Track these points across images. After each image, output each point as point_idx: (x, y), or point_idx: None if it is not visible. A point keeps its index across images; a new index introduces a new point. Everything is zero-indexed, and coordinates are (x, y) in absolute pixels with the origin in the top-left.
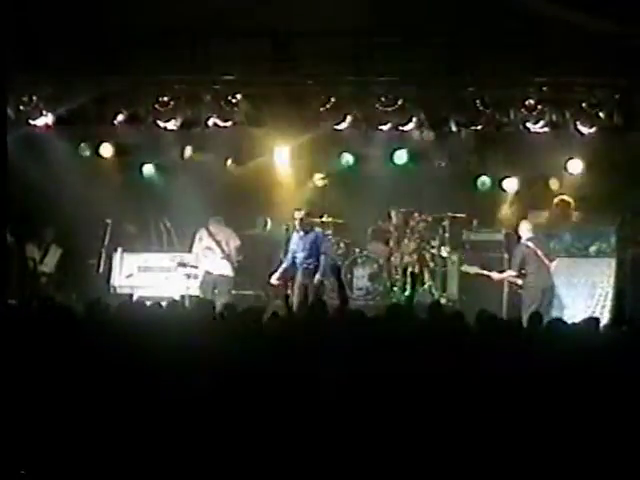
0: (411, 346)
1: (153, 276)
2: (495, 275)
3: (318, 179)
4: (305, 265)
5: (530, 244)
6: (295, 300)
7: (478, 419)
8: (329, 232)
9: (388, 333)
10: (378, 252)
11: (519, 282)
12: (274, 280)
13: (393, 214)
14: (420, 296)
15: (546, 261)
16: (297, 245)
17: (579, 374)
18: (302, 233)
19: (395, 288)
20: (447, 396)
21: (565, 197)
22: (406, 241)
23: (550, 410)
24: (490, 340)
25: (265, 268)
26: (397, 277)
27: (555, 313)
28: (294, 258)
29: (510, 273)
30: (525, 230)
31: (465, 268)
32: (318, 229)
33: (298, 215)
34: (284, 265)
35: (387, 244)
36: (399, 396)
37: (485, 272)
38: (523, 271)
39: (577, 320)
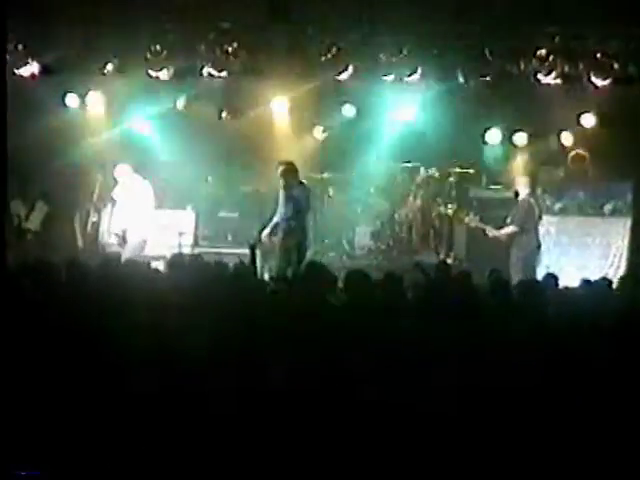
0: (421, 310)
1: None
2: (493, 231)
3: (318, 132)
4: (284, 224)
5: (532, 200)
6: (275, 262)
7: (495, 384)
8: (330, 189)
9: (391, 298)
10: (382, 209)
11: (503, 240)
12: (264, 236)
13: (398, 169)
14: (425, 256)
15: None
16: (281, 202)
17: (595, 337)
18: (284, 189)
19: (399, 247)
20: (460, 363)
21: (580, 151)
22: (411, 198)
23: (569, 378)
24: (503, 302)
25: (259, 226)
26: (401, 235)
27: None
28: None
29: (512, 229)
30: (523, 185)
31: (467, 219)
32: (301, 185)
33: (280, 170)
34: (275, 220)
35: (391, 201)
36: (413, 363)
37: (482, 225)
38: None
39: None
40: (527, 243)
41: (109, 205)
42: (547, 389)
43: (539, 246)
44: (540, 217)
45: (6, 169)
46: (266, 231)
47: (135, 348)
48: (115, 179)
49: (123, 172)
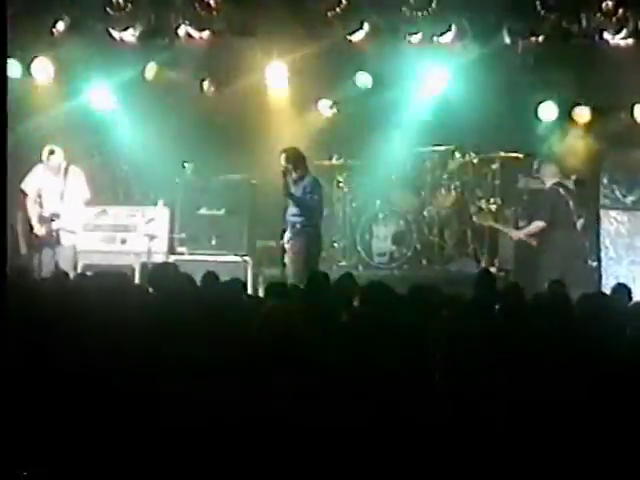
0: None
1: (104, 237)
2: (513, 232)
3: (325, 107)
4: (292, 223)
5: (561, 191)
6: (290, 270)
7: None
8: (341, 177)
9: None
10: (406, 205)
11: (533, 242)
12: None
13: (426, 154)
14: (462, 264)
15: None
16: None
17: None
18: (292, 182)
19: (428, 253)
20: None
21: None
22: (443, 191)
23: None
24: (563, 322)
25: (251, 226)
26: (431, 238)
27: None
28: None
29: (537, 226)
30: (549, 174)
31: (477, 218)
32: (310, 175)
33: (284, 157)
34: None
35: (418, 194)
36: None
37: (498, 226)
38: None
39: None
40: (562, 242)
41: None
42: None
43: (582, 247)
44: (607, 208)
45: (6, 169)
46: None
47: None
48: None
49: (53, 158)
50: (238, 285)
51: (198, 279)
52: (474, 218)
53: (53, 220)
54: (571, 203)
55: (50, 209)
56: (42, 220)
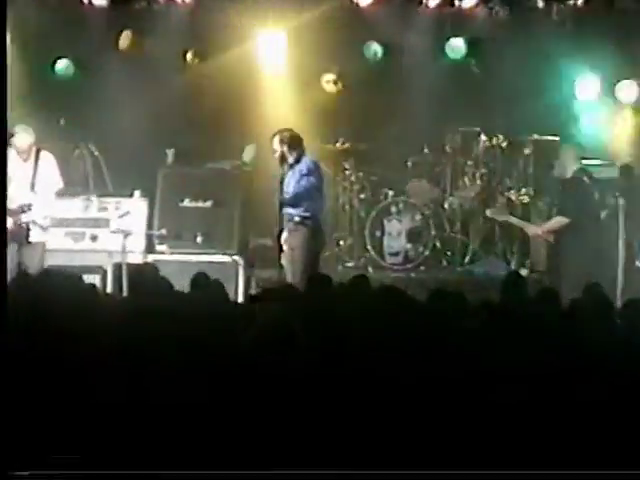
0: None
1: (71, 233)
2: (531, 228)
3: (329, 82)
4: (289, 216)
5: (586, 179)
6: (288, 272)
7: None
8: (347, 164)
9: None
10: (423, 196)
11: (551, 239)
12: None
13: (447, 137)
14: (489, 265)
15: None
16: (285, 186)
17: None
18: (287, 168)
19: (449, 252)
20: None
21: None
22: (467, 179)
23: None
24: (604, 331)
25: (243, 221)
26: (453, 235)
27: None
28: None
29: (557, 222)
30: (570, 159)
31: (491, 213)
32: (311, 161)
33: (276, 140)
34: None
35: (437, 184)
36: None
37: (513, 220)
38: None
39: None
40: (585, 242)
41: None
42: None
43: (628, 246)
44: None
45: (6, 168)
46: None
47: None
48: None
49: (22, 140)
50: (219, 291)
51: (181, 282)
52: (487, 213)
53: (24, 212)
54: (595, 194)
55: (19, 200)
56: (10, 212)
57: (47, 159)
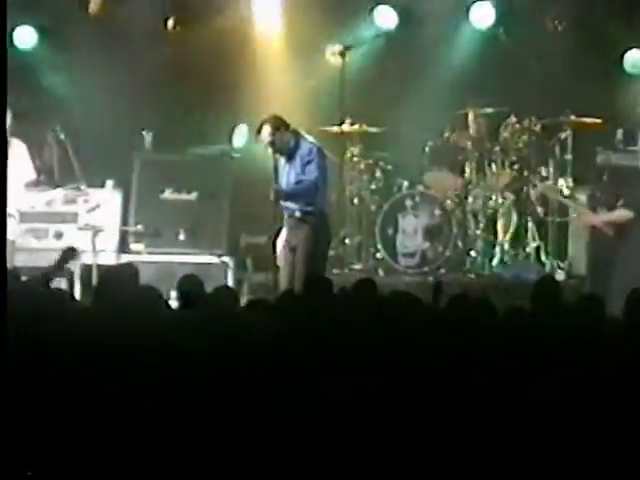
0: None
1: (33, 229)
2: (588, 215)
3: (334, 55)
4: (289, 211)
5: None
6: (285, 276)
7: None
8: (355, 149)
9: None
10: (443, 187)
11: (610, 233)
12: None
13: (471, 118)
14: (520, 267)
15: None
16: (280, 176)
17: None
18: (284, 156)
19: (474, 253)
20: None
21: None
22: (494, 168)
23: None
24: None
25: (233, 216)
26: (478, 233)
27: None
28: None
29: (621, 215)
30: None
31: (542, 187)
32: (309, 140)
33: (266, 134)
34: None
35: (460, 173)
36: None
37: (568, 202)
38: None
39: None
40: None
41: None
42: None
43: None
44: None
45: (6, 168)
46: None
47: None
48: None
49: None
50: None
51: (162, 288)
52: (538, 187)
53: None
54: None
55: None
56: None
57: (18, 146)
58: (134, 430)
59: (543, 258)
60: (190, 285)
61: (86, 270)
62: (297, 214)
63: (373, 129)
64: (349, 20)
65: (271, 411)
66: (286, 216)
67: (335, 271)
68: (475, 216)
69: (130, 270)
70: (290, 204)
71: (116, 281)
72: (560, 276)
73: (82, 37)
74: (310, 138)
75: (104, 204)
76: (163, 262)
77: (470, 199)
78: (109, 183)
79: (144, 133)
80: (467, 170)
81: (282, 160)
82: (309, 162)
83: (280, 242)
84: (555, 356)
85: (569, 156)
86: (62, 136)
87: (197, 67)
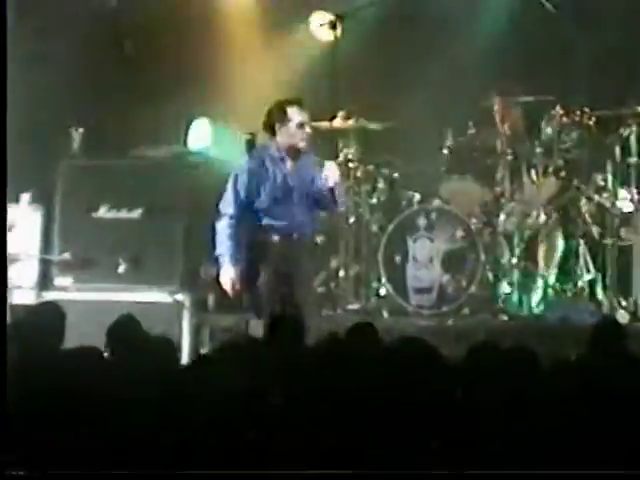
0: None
1: None
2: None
3: (322, 27)
4: (265, 233)
5: None
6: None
7: None
8: (350, 151)
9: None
10: (467, 201)
11: None
12: (227, 280)
13: (503, 109)
14: (569, 307)
15: None
16: (265, 185)
17: None
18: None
19: (507, 287)
20: None
21: None
22: (534, 174)
23: None
24: None
25: (190, 240)
26: (513, 261)
27: None
28: (258, 216)
29: None
30: None
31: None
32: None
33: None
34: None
35: (489, 182)
36: None
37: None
38: None
39: None
40: None
41: None
42: None
43: None
44: None
45: (6, 168)
46: (229, 270)
47: None
48: None
49: None
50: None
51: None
52: (593, 200)
53: None
54: None
55: None
56: None
57: None
58: None
59: (600, 294)
60: (124, 331)
61: None
62: (274, 239)
63: (374, 125)
64: None
65: None
66: (260, 238)
67: (326, 312)
68: (509, 239)
69: (54, 312)
70: (270, 221)
71: (35, 326)
72: (623, 318)
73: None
74: None
75: (18, 225)
76: (97, 301)
77: (502, 217)
78: (25, 197)
79: (71, 130)
80: (498, 178)
81: (285, 164)
82: (306, 168)
83: (263, 270)
84: (617, 425)
85: (634, 159)
86: None
87: (143, 45)
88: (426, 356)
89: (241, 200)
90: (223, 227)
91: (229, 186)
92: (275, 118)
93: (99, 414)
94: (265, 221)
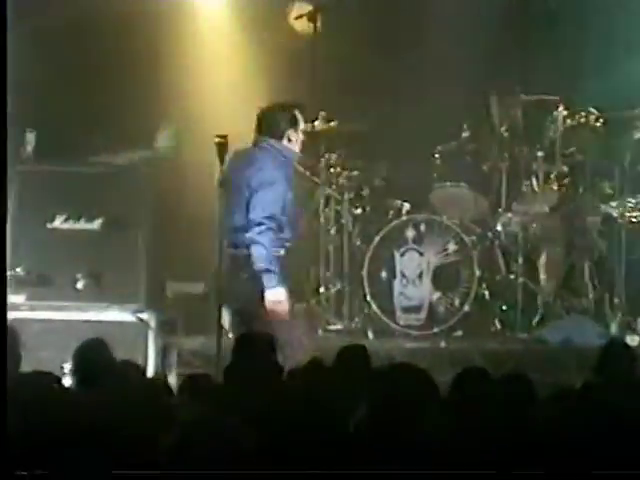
0: None
1: None
2: None
3: (300, 18)
4: (235, 247)
5: None
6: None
7: None
8: (332, 157)
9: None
10: (460, 211)
11: None
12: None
13: (501, 111)
14: (572, 327)
15: None
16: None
17: None
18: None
19: (506, 307)
20: None
21: None
22: (535, 182)
23: None
24: None
25: (156, 255)
26: (511, 278)
27: None
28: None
29: None
30: None
31: (605, 210)
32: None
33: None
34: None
35: (486, 190)
36: None
37: None
38: None
39: None
40: None
41: None
42: None
43: None
44: None
45: (6, 169)
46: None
47: None
48: None
49: None
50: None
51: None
52: (600, 210)
53: None
54: None
55: None
56: None
57: None
58: None
59: (607, 314)
60: (92, 355)
61: None
62: (245, 252)
63: (358, 127)
64: None
65: None
66: (230, 253)
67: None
68: (507, 253)
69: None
70: (236, 232)
71: None
72: (633, 341)
73: None
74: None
75: None
76: (53, 321)
77: (499, 228)
78: None
79: (27, 134)
80: (495, 186)
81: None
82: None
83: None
84: (629, 459)
85: None
86: None
87: (105, 38)
88: (416, 380)
89: (281, 209)
90: (267, 239)
91: (267, 192)
92: (288, 123)
93: (54, 442)
94: (284, 233)
